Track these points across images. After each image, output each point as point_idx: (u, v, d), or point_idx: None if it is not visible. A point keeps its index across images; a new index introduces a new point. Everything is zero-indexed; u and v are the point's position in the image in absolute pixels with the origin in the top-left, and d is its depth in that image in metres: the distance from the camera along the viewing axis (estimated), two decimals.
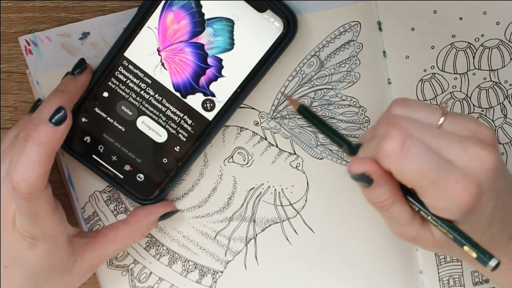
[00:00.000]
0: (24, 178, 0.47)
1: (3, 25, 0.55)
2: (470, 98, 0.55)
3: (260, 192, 0.57)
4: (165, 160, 0.55)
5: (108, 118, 0.54)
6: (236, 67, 0.53)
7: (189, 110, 0.54)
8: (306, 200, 0.57)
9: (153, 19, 0.52)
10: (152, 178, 0.55)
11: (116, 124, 0.54)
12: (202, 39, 0.52)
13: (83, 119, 0.54)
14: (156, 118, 0.54)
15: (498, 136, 0.56)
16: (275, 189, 0.56)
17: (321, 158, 0.56)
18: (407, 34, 0.54)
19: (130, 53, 0.53)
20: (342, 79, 0.55)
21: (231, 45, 0.52)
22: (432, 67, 0.54)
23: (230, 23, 0.52)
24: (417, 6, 0.53)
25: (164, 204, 0.56)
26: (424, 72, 0.55)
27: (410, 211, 0.45)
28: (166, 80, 0.53)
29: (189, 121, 0.54)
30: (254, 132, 0.56)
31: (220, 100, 0.53)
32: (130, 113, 0.54)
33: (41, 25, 0.55)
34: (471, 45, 0.54)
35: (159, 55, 0.53)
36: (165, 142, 0.54)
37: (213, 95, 0.53)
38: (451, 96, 0.55)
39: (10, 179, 0.48)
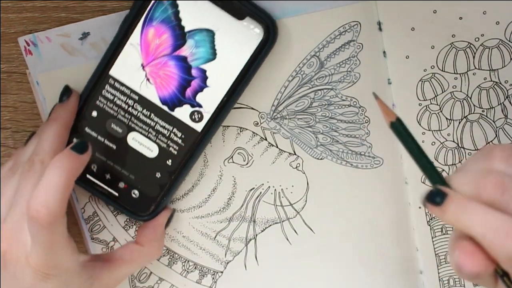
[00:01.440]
0: (44, 205, 0.46)
1: (3, 25, 0.55)
2: (470, 98, 0.55)
3: (260, 193, 0.57)
4: (158, 175, 0.55)
5: (99, 137, 0.54)
6: (221, 76, 0.53)
7: (177, 123, 0.54)
8: (306, 201, 0.57)
9: (135, 36, 0.53)
10: (147, 193, 0.55)
11: (107, 142, 0.55)
12: (185, 51, 0.52)
13: (74, 140, 0.54)
14: (146, 134, 0.54)
15: (499, 137, 0.55)
16: (275, 190, 0.56)
17: (321, 159, 0.56)
18: (407, 34, 0.54)
19: (115, 71, 0.53)
20: (342, 79, 0.55)
21: (213, 55, 0.52)
22: (432, 67, 0.54)
23: (211, 33, 0.52)
24: (417, 6, 0.53)
25: (162, 212, 0.56)
26: (424, 72, 0.54)
27: None
28: (152, 94, 0.53)
29: (179, 134, 0.54)
30: (254, 133, 0.56)
31: (208, 110, 0.53)
32: (120, 130, 0.54)
33: (41, 25, 0.55)
34: (471, 45, 0.54)
35: (144, 70, 0.53)
36: (157, 157, 0.54)
37: (200, 106, 0.53)
38: (452, 96, 0.55)
39: (27, 207, 0.47)
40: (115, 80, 0.53)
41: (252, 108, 0.55)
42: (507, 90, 0.55)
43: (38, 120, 0.57)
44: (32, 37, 0.54)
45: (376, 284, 0.58)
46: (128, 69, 0.53)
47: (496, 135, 0.55)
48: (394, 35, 0.54)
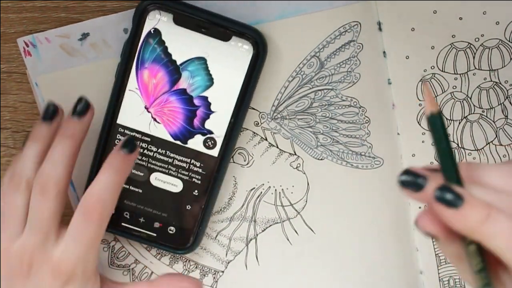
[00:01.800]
0: (100, 202, 0.48)
1: (3, 25, 0.55)
2: (470, 98, 0.55)
3: (261, 193, 0.57)
4: (188, 207, 0.56)
5: (124, 185, 0.55)
6: (223, 99, 0.53)
7: (194, 154, 0.54)
8: (306, 201, 0.57)
9: (132, 82, 0.53)
10: (183, 227, 0.56)
11: (132, 188, 0.55)
12: (182, 84, 0.53)
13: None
14: (167, 171, 0.55)
15: (499, 138, 0.55)
16: (276, 190, 0.57)
17: (321, 159, 0.56)
18: (407, 34, 0.54)
19: (121, 119, 0.54)
20: (342, 79, 0.55)
21: (210, 81, 0.53)
22: (432, 67, 0.54)
23: (203, 60, 0.52)
24: (417, 6, 0.53)
25: (191, 281, 0.53)
26: (424, 72, 0.54)
27: None
28: (163, 132, 0.54)
29: (198, 164, 0.54)
30: (254, 133, 0.56)
31: (219, 134, 0.54)
32: (141, 174, 0.55)
33: (41, 25, 0.55)
34: (471, 45, 0.54)
35: (149, 111, 0.53)
36: (183, 190, 0.55)
37: (211, 132, 0.54)
38: (452, 96, 0.55)
39: (82, 204, 0.48)
40: (124, 127, 0.54)
41: (253, 108, 0.55)
42: (507, 90, 0.55)
43: (38, 120, 0.57)
44: (31, 38, 0.54)
45: (376, 284, 0.58)
46: (134, 114, 0.54)
47: (496, 135, 0.55)
48: (394, 35, 0.54)
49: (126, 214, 0.56)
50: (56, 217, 0.49)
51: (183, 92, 0.53)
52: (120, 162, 0.49)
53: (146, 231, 0.56)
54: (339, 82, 0.55)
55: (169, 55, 0.52)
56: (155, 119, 0.54)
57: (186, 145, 0.54)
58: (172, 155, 0.54)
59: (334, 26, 0.54)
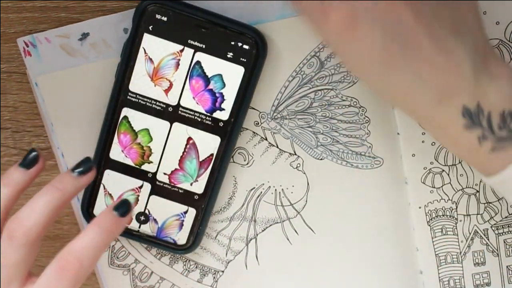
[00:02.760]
0: (78, 259, 0.45)
1: (3, 25, 0.55)
2: None
3: (261, 192, 0.57)
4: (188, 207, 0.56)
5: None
6: (230, 97, 0.54)
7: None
8: (306, 201, 0.57)
9: (187, 85, 0.54)
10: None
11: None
12: (210, 86, 0.53)
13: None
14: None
15: None
16: (276, 189, 0.57)
17: (321, 159, 0.56)
18: None
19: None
20: (342, 79, 0.55)
21: (224, 85, 0.53)
22: None
23: (220, 76, 0.53)
24: None
25: None
26: None
27: None
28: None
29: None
30: (254, 133, 0.56)
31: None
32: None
33: (41, 25, 0.55)
34: None
35: (194, 99, 0.54)
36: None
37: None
38: None
39: (61, 258, 0.45)
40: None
41: (253, 108, 0.55)
42: None
43: (38, 120, 0.57)
44: (31, 38, 0.54)
45: (376, 284, 0.58)
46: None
47: None
48: None
49: None
50: (22, 266, 0.46)
51: (211, 90, 0.54)
52: (110, 224, 0.46)
53: (145, 231, 0.56)
54: (339, 82, 0.55)
55: (204, 71, 0.53)
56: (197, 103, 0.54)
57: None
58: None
59: None
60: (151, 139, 0.54)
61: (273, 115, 0.56)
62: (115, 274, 0.59)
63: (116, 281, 0.59)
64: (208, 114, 0.54)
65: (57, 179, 0.47)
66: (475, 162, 0.46)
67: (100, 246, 0.46)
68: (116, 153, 0.55)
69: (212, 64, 0.53)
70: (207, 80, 0.53)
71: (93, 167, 0.48)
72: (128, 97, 0.54)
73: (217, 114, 0.54)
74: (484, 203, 0.57)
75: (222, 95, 0.53)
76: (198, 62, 0.53)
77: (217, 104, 0.53)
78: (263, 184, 0.57)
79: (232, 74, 0.53)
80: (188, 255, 0.58)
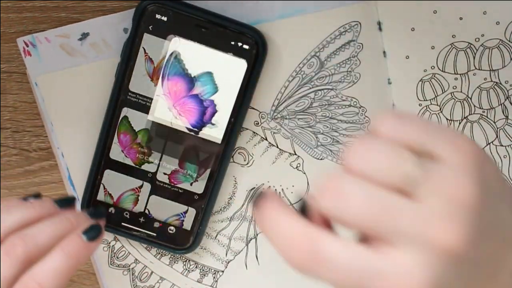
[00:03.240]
0: (40, 285, 0.43)
1: (3, 25, 0.55)
2: (470, 98, 0.55)
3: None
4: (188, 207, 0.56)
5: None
6: (225, 102, 0.53)
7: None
8: None
9: (158, 89, 0.53)
10: (182, 227, 0.56)
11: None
12: (196, 90, 0.53)
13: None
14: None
15: (499, 138, 0.55)
16: (276, 189, 0.57)
17: (321, 159, 0.56)
18: (407, 34, 0.54)
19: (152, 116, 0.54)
20: (342, 79, 0.55)
21: (216, 89, 0.53)
22: (432, 67, 0.54)
23: (210, 74, 0.53)
24: (417, 6, 0.53)
25: None
26: (424, 72, 0.54)
27: None
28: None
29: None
30: (254, 132, 0.56)
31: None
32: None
33: (41, 25, 0.55)
34: (471, 45, 0.54)
35: (175, 108, 0.54)
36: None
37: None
38: (452, 96, 0.55)
39: (21, 282, 0.43)
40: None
41: (253, 108, 0.55)
42: (508, 91, 0.55)
43: (38, 120, 0.57)
44: (31, 38, 0.54)
45: None
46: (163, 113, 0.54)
47: (497, 135, 0.55)
48: (394, 35, 0.54)
49: (126, 214, 0.56)
50: None
51: (196, 96, 0.54)
52: (76, 249, 0.44)
53: (146, 231, 0.56)
54: (339, 82, 0.55)
55: (186, 69, 0.53)
56: (180, 114, 0.54)
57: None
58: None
59: (334, 26, 0.54)
60: (151, 139, 0.54)
61: (273, 115, 0.56)
62: (115, 274, 0.59)
63: (116, 281, 0.59)
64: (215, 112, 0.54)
65: (65, 242, 0.45)
66: None
67: (64, 272, 0.44)
68: (116, 153, 0.55)
69: (219, 75, 0.53)
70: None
71: (102, 231, 0.47)
72: (128, 97, 0.54)
73: (216, 115, 0.54)
74: None
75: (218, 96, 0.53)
76: None
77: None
78: (263, 184, 0.57)
79: (234, 80, 0.53)
80: (188, 255, 0.58)
